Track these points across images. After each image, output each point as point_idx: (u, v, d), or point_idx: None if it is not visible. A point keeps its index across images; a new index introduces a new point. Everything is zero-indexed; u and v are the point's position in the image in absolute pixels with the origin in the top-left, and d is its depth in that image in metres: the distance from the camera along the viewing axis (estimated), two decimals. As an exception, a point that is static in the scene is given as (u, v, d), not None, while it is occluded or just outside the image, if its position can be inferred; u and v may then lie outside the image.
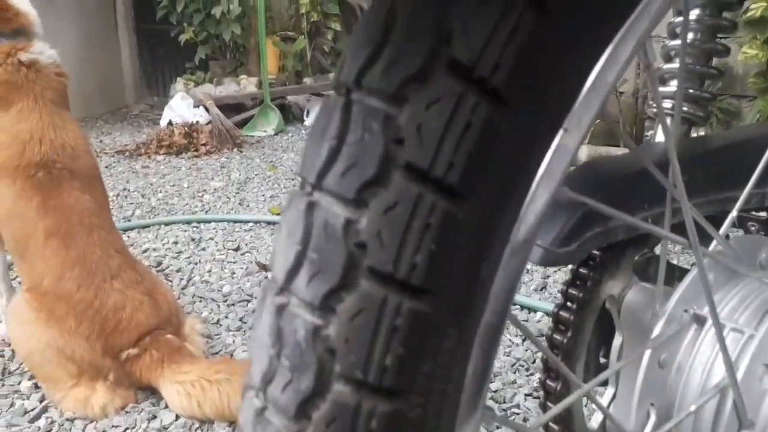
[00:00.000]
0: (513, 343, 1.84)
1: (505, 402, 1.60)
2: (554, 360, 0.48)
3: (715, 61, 0.92)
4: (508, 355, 1.79)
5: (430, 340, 0.36)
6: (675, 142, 0.58)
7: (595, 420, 0.82)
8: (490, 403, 1.58)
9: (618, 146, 3.63)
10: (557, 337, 0.80)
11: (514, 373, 1.72)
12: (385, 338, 0.35)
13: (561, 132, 0.38)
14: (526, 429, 0.48)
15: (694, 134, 1.01)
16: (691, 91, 0.90)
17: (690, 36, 0.89)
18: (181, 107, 5.03)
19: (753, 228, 0.99)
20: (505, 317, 0.40)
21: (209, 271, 2.41)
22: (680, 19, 0.91)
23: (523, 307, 2.07)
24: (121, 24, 6.53)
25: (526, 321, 1.98)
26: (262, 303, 0.40)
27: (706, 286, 0.54)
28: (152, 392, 1.62)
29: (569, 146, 0.39)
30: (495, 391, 1.63)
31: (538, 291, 2.20)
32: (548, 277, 2.30)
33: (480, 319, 0.38)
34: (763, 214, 0.97)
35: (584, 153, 3.78)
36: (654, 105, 0.96)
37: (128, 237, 2.75)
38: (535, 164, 0.38)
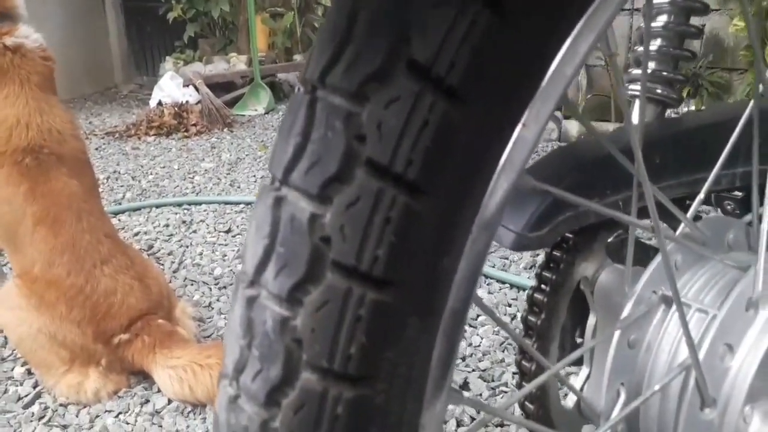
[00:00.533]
0: (501, 321, 1.86)
1: (493, 380, 1.62)
2: (521, 341, 0.50)
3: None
4: (497, 334, 1.81)
5: (393, 329, 0.38)
6: (640, 127, 0.60)
7: (571, 400, 0.85)
8: (478, 381, 1.61)
9: (609, 121, 3.64)
10: (531, 318, 0.82)
11: (503, 351, 1.74)
12: (349, 328, 0.37)
13: (519, 126, 0.39)
14: (495, 410, 0.50)
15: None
16: (664, 73, 0.91)
17: (664, 18, 0.91)
18: (171, 87, 5.00)
19: (729, 207, 1.01)
20: (468, 303, 0.42)
21: (200, 253, 2.43)
22: (656, 0, 0.92)
23: (512, 286, 2.10)
24: (108, 2, 6.46)
25: (515, 300, 2.01)
26: (234, 295, 0.41)
27: (669, 270, 0.55)
28: (144, 377, 1.64)
29: (528, 138, 0.40)
30: (484, 370, 1.66)
31: (528, 269, 2.23)
32: (538, 255, 2.32)
33: (443, 307, 0.40)
34: (739, 193, 0.99)
35: (575, 129, 3.80)
36: (631, 87, 0.97)
37: (119, 220, 2.76)
38: (495, 157, 0.39)
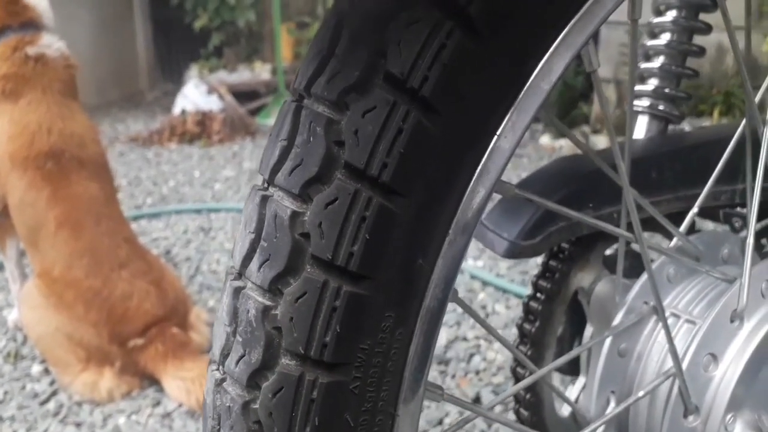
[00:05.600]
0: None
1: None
2: (505, 342, 0.52)
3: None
4: (510, 350, 1.81)
5: (367, 320, 0.40)
6: (628, 141, 0.61)
7: (566, 408, 0.86)
8: (491, 396, 1.61)
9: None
10: (526, 326, 0.83)
11: (516, 368, 1.74)
12: (325, 318, 0.39)
13: (495, 137, 0.42)
14: (479, 410, 0.52)
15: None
16: (667, 90, 0.93)
17: (667, 37, 0.92)
18: (195, 94, 5.04)
19: (737, 224, 1.02)
20: (445, 303, 0.44)
21: (217, 260, 2.46)
22: (659, 19, 0.93)
23: (520, 297, 2.09)
24: (137, 10, 6.58)
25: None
26: (224, 287, 0.44)
27: (653, 280, 0.57)
28: (156, 380, 1.67)
29: (505, 148, 0.42)
30: (497, 385, 1.66)
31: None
32: (547, 267, 2.31)
33: (420, 303, 0.42)
34: (745, 210, 0.99)
35: (602, 144, 3.75)
36: (634, 103, 0.98)
37: (139, 225, 2.80)
38: (471, 165, 0.42)
